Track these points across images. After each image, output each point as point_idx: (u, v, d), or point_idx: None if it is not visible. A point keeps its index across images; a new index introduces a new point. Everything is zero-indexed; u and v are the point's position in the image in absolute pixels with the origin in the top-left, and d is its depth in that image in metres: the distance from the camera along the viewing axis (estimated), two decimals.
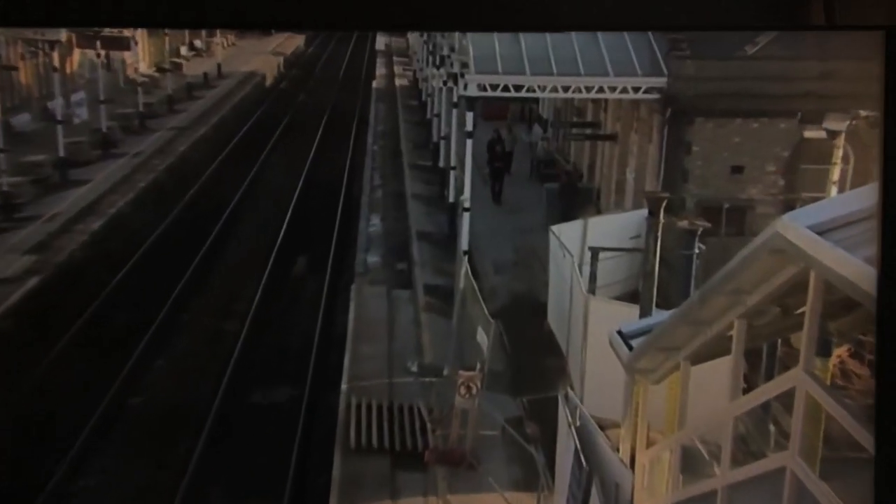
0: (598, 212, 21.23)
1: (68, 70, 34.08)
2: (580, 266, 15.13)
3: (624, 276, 16.61)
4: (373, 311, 17.94)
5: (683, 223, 12.89)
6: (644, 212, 13.46)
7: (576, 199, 22.11)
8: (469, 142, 19.26)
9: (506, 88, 18.65)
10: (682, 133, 17.63)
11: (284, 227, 24.71)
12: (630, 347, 8.21)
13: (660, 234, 12.26)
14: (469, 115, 19.21)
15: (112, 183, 26.38)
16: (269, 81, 50.55)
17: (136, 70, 40.96)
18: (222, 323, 19.20)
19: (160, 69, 42.40)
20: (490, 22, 2.17)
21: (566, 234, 16.02)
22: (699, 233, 12.58)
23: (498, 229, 21.91)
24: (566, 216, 19.29)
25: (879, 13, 2.15)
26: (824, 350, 5.72)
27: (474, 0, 2.04)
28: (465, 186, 19.39)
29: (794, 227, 5.01)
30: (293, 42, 63.07)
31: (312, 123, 38.83)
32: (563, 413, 9.82)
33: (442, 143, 26.20)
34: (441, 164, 26.26)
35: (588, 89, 18.70)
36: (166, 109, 37.05)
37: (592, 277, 15.27)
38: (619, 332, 8.45)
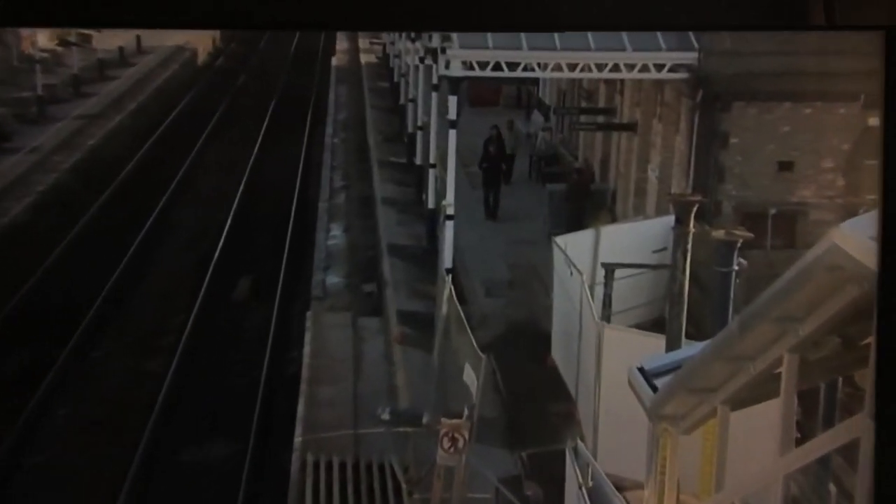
0: (614, 219, 21.33)
1: None
2: (591, 287, 15.18)
3: (646, 300, 16.68)
4: (334, 344, 17.94)
5: (719, 233, 12.95)
6: (670, 219, 13.54)
7: (586, 204, 22.21)
8: (453, 133, 19.31)
9: (497, 66, 18.70)
10: (716, 121, 17.74)
11: (222, 240, 24.68)
12: (654, 388, 8.23)
13: (690, 246, 12.32)
14: (452, 100, 19.26)
15: (3, 185, 26.26)
16: (201, 58, 50.60)
17: (33, 44, 40.85)
18: (144, 361, 19.13)
19: (64, 42, 42.31)
20: (490, 22, 2.44)
21: (574, 246, 16.09)
22: (739, 245, 12.64)
23: (489, 241, 21.97)
24: (574, 224, 19.38)
25: (879, 13, 2.45)
26: None
27: (474, 0, 2.29)
28: (447, 189, 19.43)
29: (856, 237, 5.05)
30: None
31: (257, 111, 38.86)
32: (571, 471, 9.84)
33: (419, 134, 26.27)
34: (418, 160, 26.32)
35: (600, 67, 18.79)
36: (72, 93, 37.00)
37: (607, 301, 15.34)
38: (641, 370, 8.48)
